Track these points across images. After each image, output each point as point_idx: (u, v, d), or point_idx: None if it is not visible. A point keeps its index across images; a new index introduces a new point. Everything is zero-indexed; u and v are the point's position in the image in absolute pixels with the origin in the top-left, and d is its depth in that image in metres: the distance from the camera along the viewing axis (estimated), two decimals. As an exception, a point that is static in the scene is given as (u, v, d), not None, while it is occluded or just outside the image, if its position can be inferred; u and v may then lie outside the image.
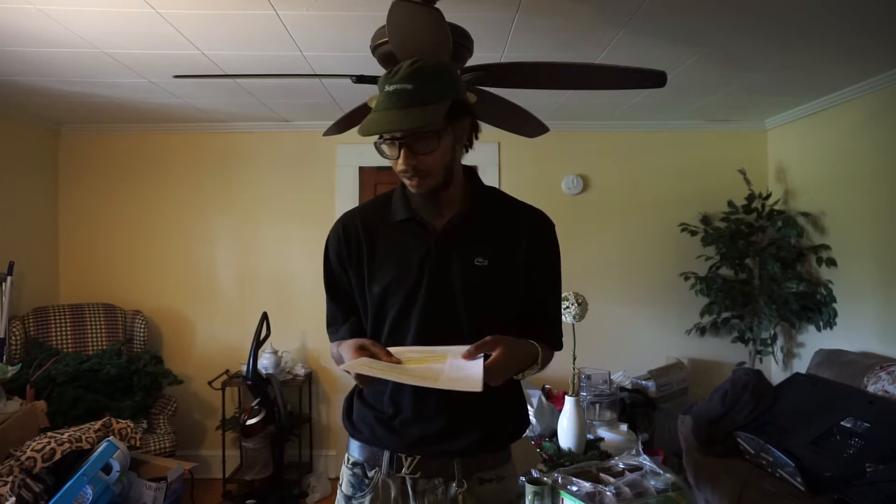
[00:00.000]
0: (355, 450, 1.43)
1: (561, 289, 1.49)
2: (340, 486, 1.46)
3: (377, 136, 1.27)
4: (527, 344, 1.32)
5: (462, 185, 1.40)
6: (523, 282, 1.38)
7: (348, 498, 1.41)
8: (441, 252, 1.35)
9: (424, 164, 1.27)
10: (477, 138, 1.39)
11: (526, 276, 1.39)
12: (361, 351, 1.25)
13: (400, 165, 1.27)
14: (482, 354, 1.20)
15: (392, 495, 1.36)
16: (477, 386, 1.12)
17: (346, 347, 1.31)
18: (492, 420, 1.37)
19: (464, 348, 1.22)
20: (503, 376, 1.22)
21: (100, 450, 2.69)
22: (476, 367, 1.17)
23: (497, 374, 1.19)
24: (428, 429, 1.34)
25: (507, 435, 1.42)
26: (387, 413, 1.38)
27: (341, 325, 1.47)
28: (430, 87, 1.23)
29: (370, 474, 1.38)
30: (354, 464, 1.42)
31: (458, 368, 1.18)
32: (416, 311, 1.34)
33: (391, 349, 1.27)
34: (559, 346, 1.47)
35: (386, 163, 1.38)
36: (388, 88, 1.23)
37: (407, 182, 1.32)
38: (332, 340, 1.50)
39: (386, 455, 1.36)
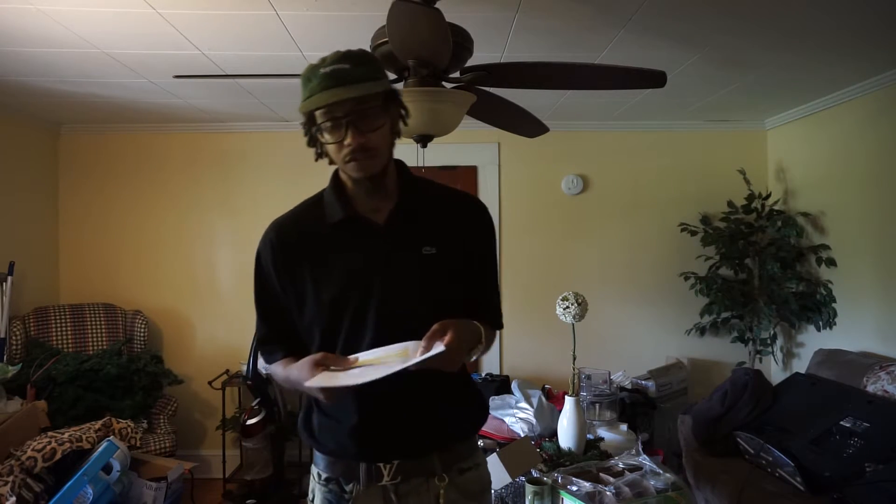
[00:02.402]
0: (325, 465, 1.36)
1: (497, 269, 1.49)
2: (311, 503, 1.40)
3: (310, 125, 1.24)
4: (470, 323, 1.30)
5: (394, 175, 1.36)
6: (467, 266, 1.37)
7: None
8: (388, 247, 1.31)
9: (372, 142, 1.22)
10: (406, 125, 1.34)
11: (469, 260, 1.38)
12: (318, 367, 1.20)
13: (347, 146, 1.21)
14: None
15: None
16: (440, 347, 1.13)
17: (301, 367, 1.23)
18: (455, 407, 1.37)
19: (416, 343, 1.20)
20: (460, 357, 1.21)
21: (100, 450, 2.70)
22: (438, 347, 1.17)
23: (455, 356, 1.17)
24: (397, 431, 1.31)
25: (472, 421, 1.43)
26: (352, 422, 1.31)
27: (276, 344, 1.42)
28: (364, 67, 1.21)
29: (348, 488, 1.33)
30: (328, 479, 1.35)
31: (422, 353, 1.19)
32: (371, 311, 1.30)
33: (350, 357, 1.24)
34: (500, 326, 1.47)
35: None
36: (324, 70, 1.19)
37: (352, 168, 1.25)
38: (268, 362, 1.45)
39: (363, 467, 1.31)
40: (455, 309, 1.31)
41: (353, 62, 1.20)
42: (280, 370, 1.39)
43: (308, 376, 1.19)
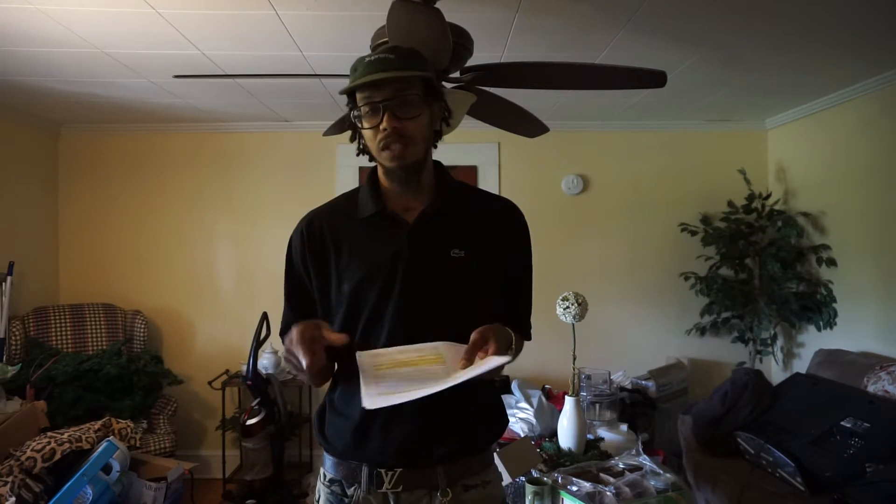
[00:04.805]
0: (331, 466, 1.36)
1: (532, 279, 1.45)
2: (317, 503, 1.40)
3: (353, 109, 1.27)
4: (504, 329, 1.27)
5: (432, 176, 1.37)
6: (499, 272, 1.35)
7: None
8: (415, 245, 1.30)
9: (408, 130, 1.24)
10: (448, 125, 1.37)
11: (501, 266, 1.36)
12: (312, 342, 1.14)
13: (382, 131, 1.23)
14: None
15: None
16: (502, 359, 1.11)
17: (294, 335, 1.16)
18: (470, 420, 1.32)
19: (448, 344, 1.18)
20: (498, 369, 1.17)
21: (100, 450, 2.69)
22: (493, 360, 1.13)
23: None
24: (405, 433, 1.28)
25: (487, 435, 1.38)
26: (356, 419, 1.30)
27: None
28: (409, 59, 1.25)
29: (349, 492, 1.31)
30: (331, 481, 1.35)
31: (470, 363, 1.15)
32: (390, 307, 1.28)
33: (376, 351, 1.23)
34: (529, 337, 1.44)
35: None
36: (370, 59, 1.24)
37: (386, 157, 1.27)
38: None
39: (365, 470, 1.29)
40: (479, 315, 1.26)
41: (399, 54, 1.25)
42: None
43: (297, 341, 1.14)
